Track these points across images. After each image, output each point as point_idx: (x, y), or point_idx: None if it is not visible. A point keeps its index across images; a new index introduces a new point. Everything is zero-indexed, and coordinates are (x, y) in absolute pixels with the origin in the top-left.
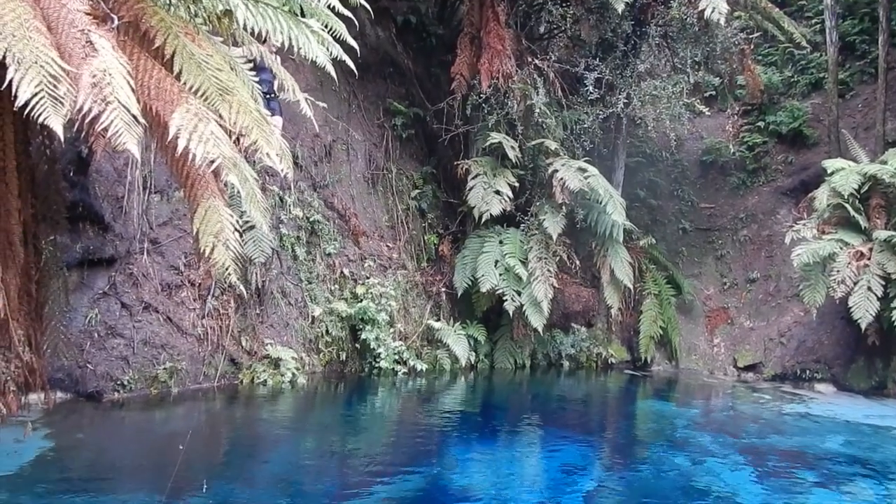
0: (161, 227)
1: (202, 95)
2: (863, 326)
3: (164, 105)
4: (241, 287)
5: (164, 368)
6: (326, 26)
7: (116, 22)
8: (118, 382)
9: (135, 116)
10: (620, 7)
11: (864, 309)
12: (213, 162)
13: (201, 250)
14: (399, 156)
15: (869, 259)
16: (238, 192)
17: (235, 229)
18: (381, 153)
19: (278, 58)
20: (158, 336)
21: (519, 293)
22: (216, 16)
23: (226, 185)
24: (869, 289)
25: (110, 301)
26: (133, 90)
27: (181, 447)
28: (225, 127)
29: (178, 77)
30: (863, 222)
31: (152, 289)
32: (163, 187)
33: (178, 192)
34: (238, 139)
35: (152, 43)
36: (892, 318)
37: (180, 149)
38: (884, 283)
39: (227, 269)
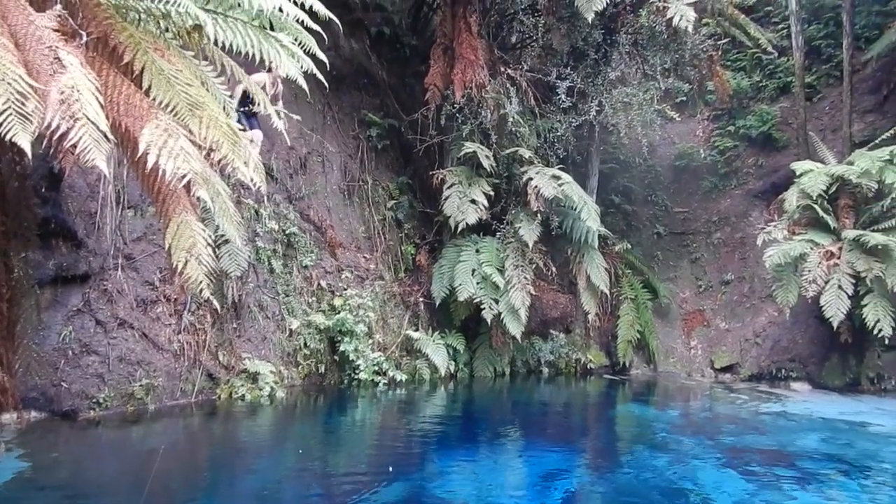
0: (135, 242)
1: (172, 110)
2: (835, 325)
3: (134, 121)
4: (216, 302)
5: (141, 385)
6: (297, 40)
7: (85, 38)
8: (93, 400)
9: (104, 133)
10: (590, 16)
11: (836, 307)
12: (183, 177)
13: (174, 265)
14: (375, 167)
15: (839, 258)
16: (212, 206)
17: (208, 244)
18: (356, 164)
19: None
20: (134, 352)
21: (497, 301)
22: (186, 31)
23: (198, 199)
24: (840, 287)
25: (84, 318)
26: (102, 106)
27: (154, 465)
28: (195, 141)
29: (147, 92)
30: (832, 222)
31: (127, 305)
32: (136, 202)
33: (151, 207)
34: (209, 153)
35: (121, 59)
36: (864, 316)
37: (150, 164)
38: (854, 281)
39: (200, 284)
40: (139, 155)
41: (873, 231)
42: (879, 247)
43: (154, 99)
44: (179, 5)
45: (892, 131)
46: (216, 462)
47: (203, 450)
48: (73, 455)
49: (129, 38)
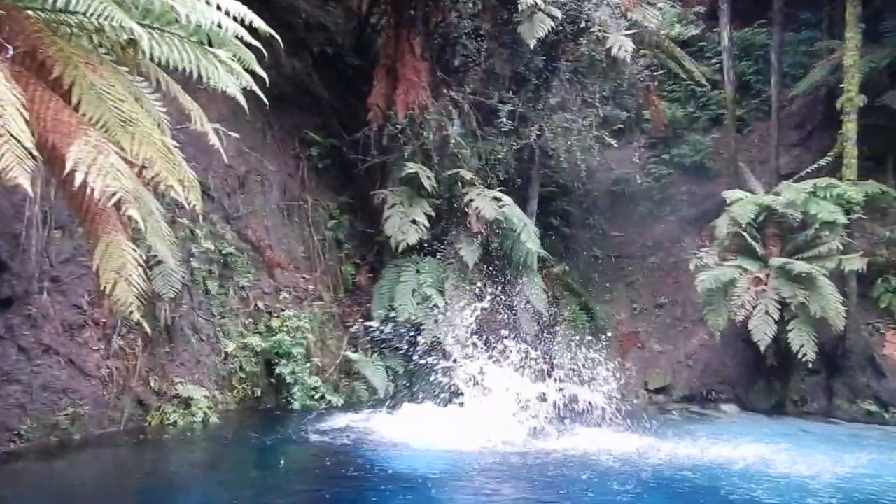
0: (62, 264)
1: (103, 127)
2: (762, 348)
3: (62, 137)
4: (147, 325)
5: (66, 415)
6: (236, 56)
7: (11, 52)
8: (14, 432)
9: (28, 150)
10: (532, 43)
11: (763, 332)
12: (113, 195)
13: (102, 287)
14: (315, 186)
15: (766, 284)
16: (143, 225)
17: (139, 264)
18: (296, 184)
19: None
20: (59, 380)
21: (437, 322)
22: (121, 46)
23: (129, 218)
24: (767, 313)
25: (6, 345)
26: (27, 122)
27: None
28: (127, 159)
29: (77, 108)
30: (760, 250)
31: (53, 330)
32: (65, 223)
33: (80, 227)
34: (141, 171)
35: (50, 73)
36: (789, 341)
37: (78, 182)
38: (780, 307)
39: (130, 307)
40: (66, 173)
41: (798, 259)
42: (804, 274)
43: (84, 115)
44: (114, 20)
45: (815, 165)
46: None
47: (127, 483)
48: None
49: (58, 51)
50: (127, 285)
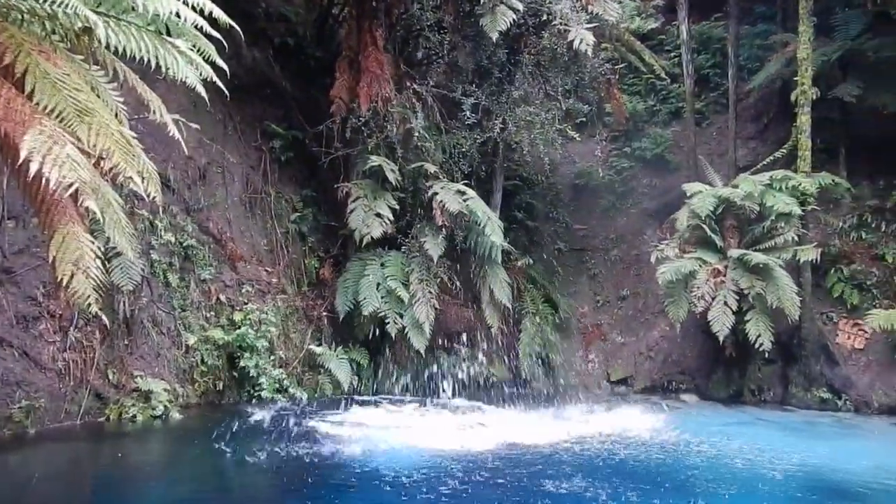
0: (16, 255)
1: (58, 116)
2: (721, 339)
3: (15, 126)
4: (105, 317)
5: (20, 407)
6: (195, 47)
7: None
8: None
9: None
10: (494, 36)
11: (722, 323)
12: (70, 186)
13: (59, 279)
14: (278, 179)
15: (725, 276)
16: (101, 217)
17: (97, 256)
18: (258, 176)
19: None
20: (13, 373)
21: (401, 315)
22: (75, 33)
23: (87, 210)
24: (725, 304)
25: None
26: None
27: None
28: (84, 149)
29: (30, 97)
30: (719, 242)
31: (6, 322)
32: (18, 213)
33: (35, 217)
34: (98, 162)
35: (1, 61)
36: (746, 331)
37: (32, 173)
38: (738, 298)
39: (87, 299)
40: (20, 162)
41: (755, 250)
42: (761, 265)
43: (38, 104)
44: (67, 6)
45: (771, 157)
46: (92, 490)
47: (80, 476)
48: None
49: (9, 38)
50: (84, 277)
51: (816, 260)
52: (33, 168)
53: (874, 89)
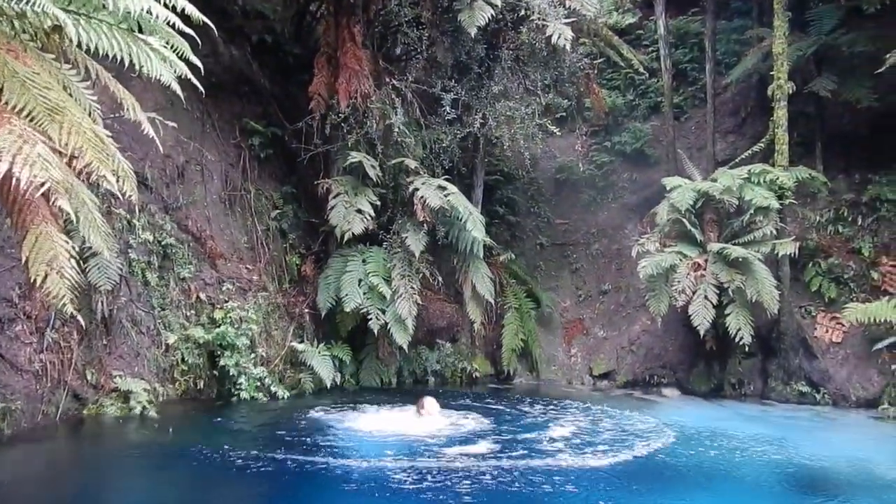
0: None
1: (28, 115)
2: (701, 333)
3: None
4: (81, 318)
5: None
6: (169, 44)
7: None
8: None
9: None
10: (473, 31)
11: (702, 316)
12: (41, 186)
13: (32, 279)
14: (258, 176)
15: (705, 270)
16: (75, 216)
17: (72, 256)
18: (238, 173)
19: None
20: None
21: (383, 311)
22: (45, 32)
23: (60, 209)
24: (706, 297)
25: None
26: None
27: None
28: (56, 148)
29: None
30: (698, 235)
31: None
32: None
33: (8, 218)
34: (71, 161)
35: None
36: (726, 325)
37: (2, 172)
38: (718, 291)
39: (62, 299)
40: None
41: (734, 244)
42: (740, 259)
43: (7, 103)
44: (36, 4)
45: (749, 151)
46: (64, 492)
47: (55, 478)
48: None
49: None
50: (59, 277)
51: (794, 254)
52: (3, 168)
53: (848, 84)
